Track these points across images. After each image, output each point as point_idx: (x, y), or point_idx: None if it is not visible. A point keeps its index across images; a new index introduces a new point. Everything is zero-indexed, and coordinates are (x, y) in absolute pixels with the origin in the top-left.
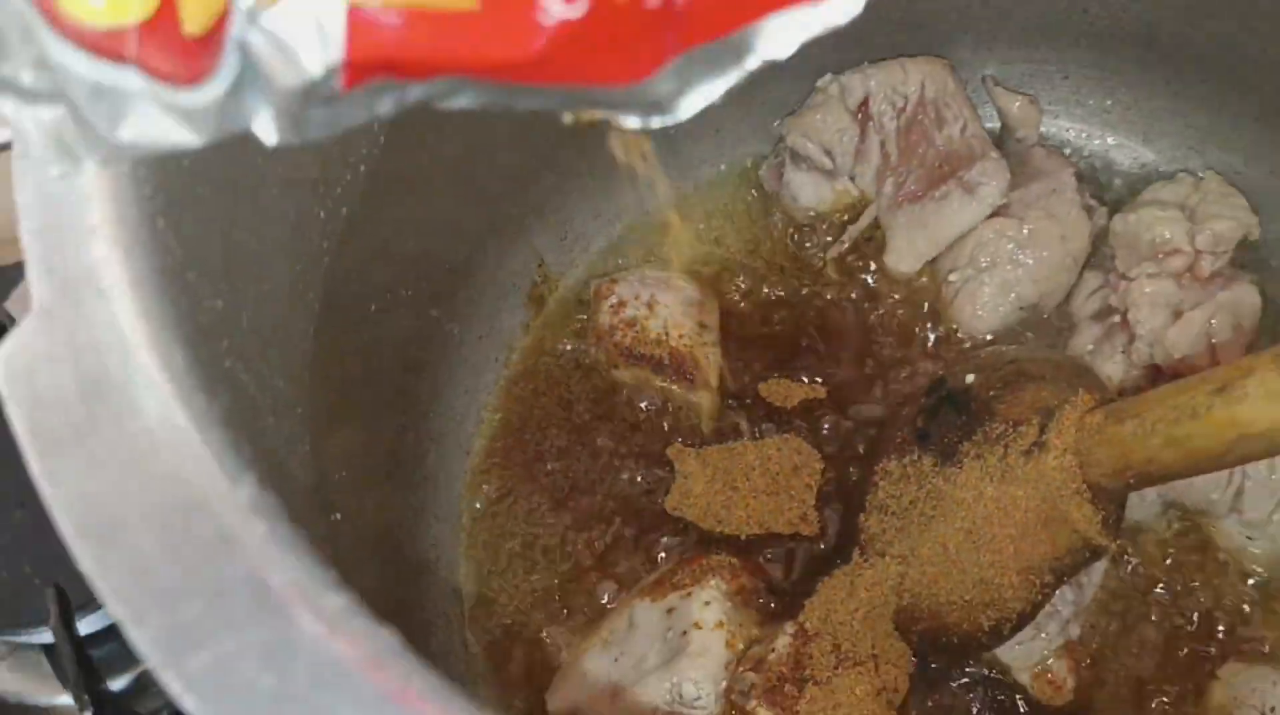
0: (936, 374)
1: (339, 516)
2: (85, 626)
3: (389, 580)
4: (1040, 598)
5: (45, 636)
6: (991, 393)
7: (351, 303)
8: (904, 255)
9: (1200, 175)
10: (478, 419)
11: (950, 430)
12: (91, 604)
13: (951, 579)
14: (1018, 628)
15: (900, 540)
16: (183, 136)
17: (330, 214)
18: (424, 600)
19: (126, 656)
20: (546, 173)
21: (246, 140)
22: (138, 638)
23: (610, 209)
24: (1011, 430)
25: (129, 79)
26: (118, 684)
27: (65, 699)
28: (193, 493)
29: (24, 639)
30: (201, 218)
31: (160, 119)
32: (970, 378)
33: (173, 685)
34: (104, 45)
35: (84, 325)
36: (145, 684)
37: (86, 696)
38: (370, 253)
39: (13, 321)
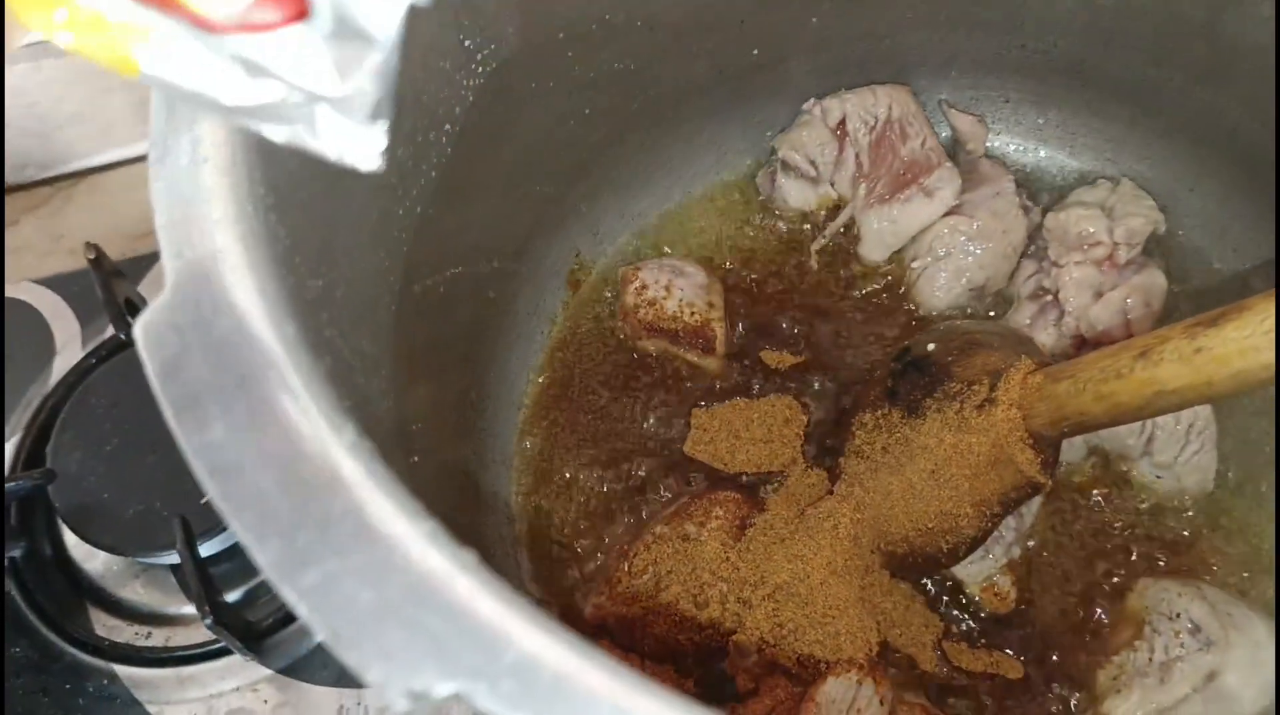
0: (903, 343)
1: (416, 459)
2: (205, 550)
3: (457, 510)
4: (990, 526)
5: (172, 558)
6: (949, 358)
7: (425, 283)
8: (875, 246)
9: (1117, 180)
10: (526, 380)
11: (915, 389)
12: (210, 531)
13: (917, 511)
14: (971, 550)
15: (874, 478)
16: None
17: (407, 212)
18: (485, 526)
19: (239, 574)
20: (583, 181)
21: None
22: (260, 559)
23: (633, 210)
24: (966, 389)
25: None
26: (232, 596)
27: (189, 609)
28: (302, 439)
29: (155, 560)
30: (306, 213)
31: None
32: (931, 346)
33: (289, 597)
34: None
35: (209, 300)
36: (254, 596)
37: (207, 607)
38: (439, 243)
39: (144, 303)
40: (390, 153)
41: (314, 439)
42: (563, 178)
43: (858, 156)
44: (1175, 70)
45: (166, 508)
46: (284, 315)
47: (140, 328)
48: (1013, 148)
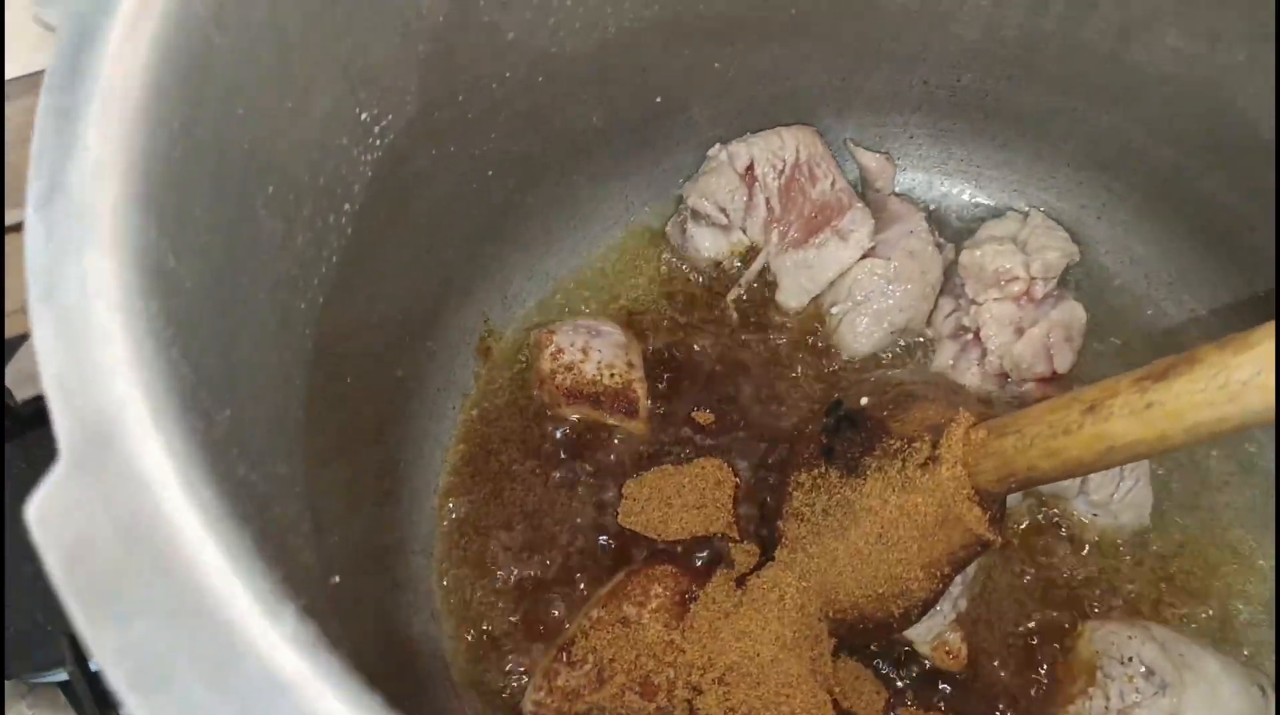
0: (831, 395)
1: (338, 579)
2: (95, 664)
3: (381, 617)
4: (941, 586)
5: (60, 675)
6: (885, 412)
7: (331, 377)
8: (793, 293)
9: (1026, 212)
10: (441, 460)
11: (851, 446)
12: None
13: (866, 575)
14: (923, 612)
15: (817, 543)
16: None
17: (309, 304)
18: (410, 626)
19: None
20: (488, 245)
21: (237, 255)
22: None
23: (542, 269)
24: (907, 446)
25: None
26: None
27: None
28: (238, 634)
29: (43, 679)
30: (207, 339)
31: None
32: (864, 400)
33: None
34: None
35: (113, 467)
36: None
37: None
38: (343, 332)
39: (10, 395)
40: (290, 242)
41: (251, 632)
42: (467, 242)
43: (768, 201)
44: (1079, 99)
45: (50, 621)
46: (199, 476)
47: (34, 509)
48: (919, 184)
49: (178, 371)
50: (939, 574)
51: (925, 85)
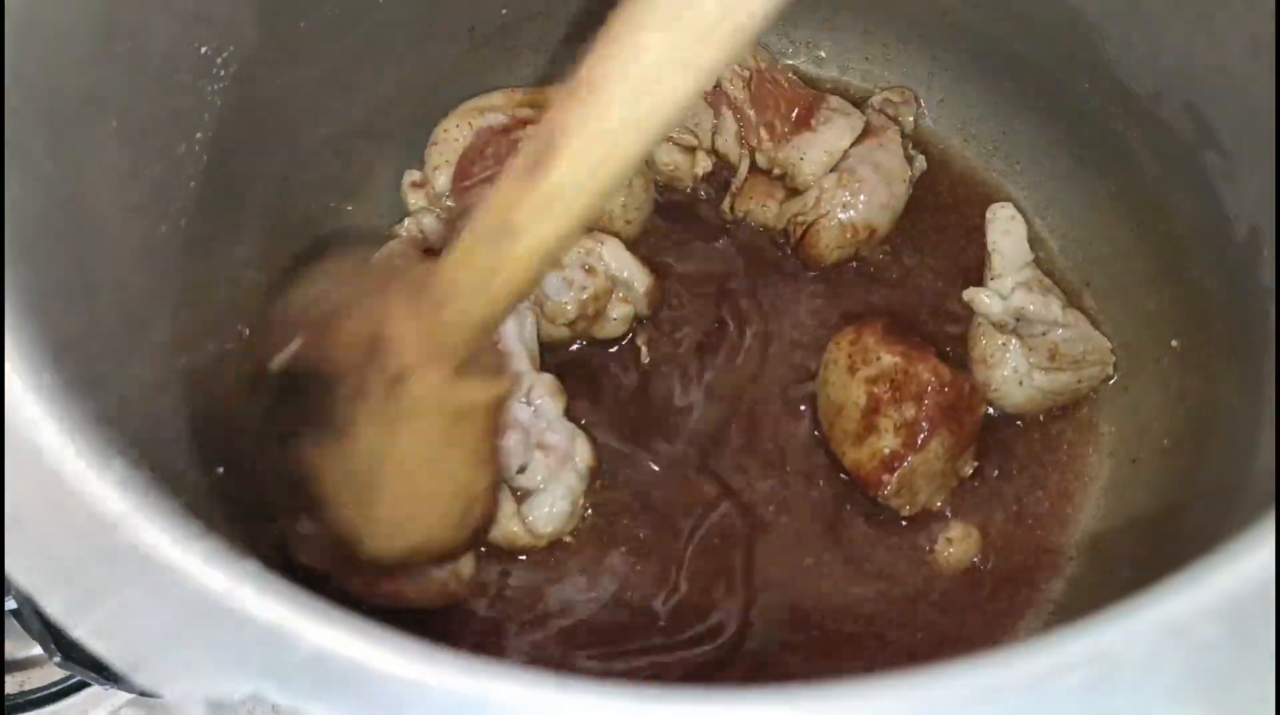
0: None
1: (222, 470)
2: None
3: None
4: (498, 461)
5: (9, 604)
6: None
7: (201, 292)
8: (815, 164)
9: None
10: None
11: (307, 412)
12: None
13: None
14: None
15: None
16: None
17: (171, 228)
18: None
19: None
20: (356, 162)
21: (85, 184)
22: (49, 606)
23: None
24: (363, 376)
25: None
26: None
27: (36, 650)
28: (72, 484)
29: None
30: (55, 258)
31: None
32: (277, 363)
33: (85, 637)
34: None
35: None
36: None
37: (53, 645)
38: (212, 257)
39: None
40: (140, 171)
41: (84, 481)
42: (334, 161)
43: (738, 112)
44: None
45: None
46: (41, 366)
47: None
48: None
49: (24, 282)
50: (490, 456)
51: None
